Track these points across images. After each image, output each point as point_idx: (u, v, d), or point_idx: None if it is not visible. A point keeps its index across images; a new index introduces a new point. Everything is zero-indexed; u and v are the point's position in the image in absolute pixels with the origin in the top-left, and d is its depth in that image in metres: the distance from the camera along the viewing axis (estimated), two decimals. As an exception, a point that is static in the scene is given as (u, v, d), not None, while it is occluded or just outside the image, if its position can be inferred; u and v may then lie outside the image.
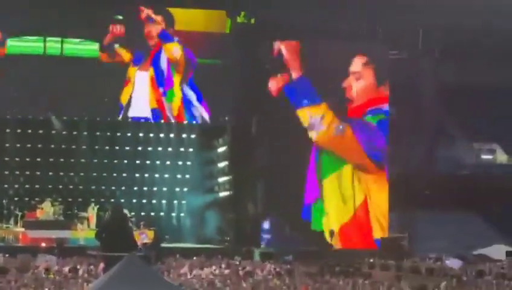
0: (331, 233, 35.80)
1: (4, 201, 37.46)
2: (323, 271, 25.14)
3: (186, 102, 37.87)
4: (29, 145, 38.98)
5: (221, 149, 39.55)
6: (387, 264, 28.20)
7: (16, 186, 38.95)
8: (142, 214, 38.66)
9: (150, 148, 40.16)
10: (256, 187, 36.98)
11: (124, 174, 39.97)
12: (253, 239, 36.14)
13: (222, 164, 39.34)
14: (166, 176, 40.25)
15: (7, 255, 28.68)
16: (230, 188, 38.38)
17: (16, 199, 38.31)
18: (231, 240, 37.04)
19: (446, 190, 38.22)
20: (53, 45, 36.55)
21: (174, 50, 37.74)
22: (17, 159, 38.94)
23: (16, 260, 27.14)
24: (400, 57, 37.93)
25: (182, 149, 40.43)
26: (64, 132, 38.98)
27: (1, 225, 35.62)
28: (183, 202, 40.23)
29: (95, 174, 39.58)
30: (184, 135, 40.30)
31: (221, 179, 39.35)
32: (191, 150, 40.33)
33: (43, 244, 32.58)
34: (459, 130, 40.75)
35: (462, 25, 36.29)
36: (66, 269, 24.36)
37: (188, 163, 40.44)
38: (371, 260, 29.40)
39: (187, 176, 40.46)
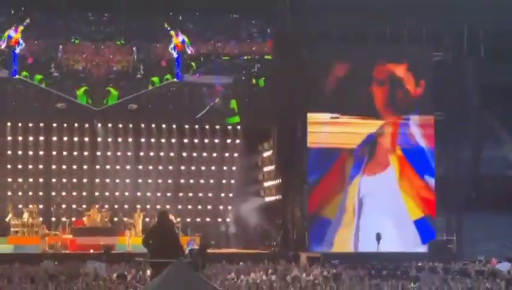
0: (378, 237, 35.55)
1: (52, 208, 37.88)
2: (371, 275, 24.97)
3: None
4: (75, 153, 39.37)
5: (266, 153, 39.53)
6: (435, 267, 27.97)
7: (64, 193, 39.34)
8: (188, 220, 38.81)
9: (195, 154, 40.30)
10: (303, 191, 36.88)
11: (170, 181, 40.15)
12: (300, 243, 36.05)
13: (268, 169, 39.33)
14: (211, 181, 40.34)
15: (56, 262, 28.90)
16: (276, 193, 38.35)
17: (63, 206, 38.71)
18: (278, 244, 36.98)
19: (494, 192, 37.83)
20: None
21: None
22: (64, 166, 39.37)
23: (64, 267, 27.33)
24: (443, 58, 37.61)
25: (226, 154, 40.51)
26: (109, 139, 39.34)
27: (49, 232, 35.97)
28: (229, 207, 40.29)
29: (140, 180, 39.83)
30: (229, 140, 40.39)
31: (267, 184, 39.34)
32: (235, 155, 40.39)
33: (91, 251, 32.82)
34: (505, 131, 40.32)
35: (507, 25, 35.91)
36: (114, 275, 24.47)
37: (233, 168, 40.51)
38: (419, 263, 29.16)
39: (232, 181, 40.52)
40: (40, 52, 36.55)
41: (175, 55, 37.00)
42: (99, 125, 39.10)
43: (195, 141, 40.25)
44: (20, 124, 38.46)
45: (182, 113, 38.41)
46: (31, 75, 36.59)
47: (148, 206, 38.64)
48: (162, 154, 40.02)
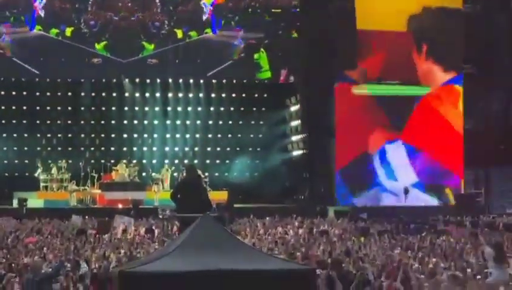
0: (406, 190, 35.50)
1: (81, 164, 38.08)
2: (398, 229, 24.96)
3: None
4: (103, 108, 39.51)
5: (293, 108, 39.42)
6: (462, 221, 27.89)
7: (92, 149, 39.54)
8: (216, 174, 38.90)
9: (222, 108, 40.27)
10: (330, 145, 36.82)
11: (197, 135, 40.21)
12: (327, 197, 36.06)
13: (295, 123, 39.25)
14: (239, 136, 40.32)
15: (86, 217, 29.13)
16: (303, 147, 38.32)
17: (92, 161, 38.91)
18: (305, 198, 37.01)
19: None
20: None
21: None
22: (92, 122, 39.53)
23: (93, 222, 27.56)
24: (472, 11, 37.17)
25: (254, 108, 40.44)
26: (137, 94, 39.41)
27: (78, 187, 36.21)
28: (257, 161, 40.29)
29: (168, 135, 39.91)
30: (256, 94, 40.29)
31: (294, 138, 39.29)
32: (263, 109, 40.31)
33: (120, 206, 33.02)
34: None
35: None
36: (142, 230, 24.65)
37: (261, 122, 40.45)
38: (446, 217, 29.10)
39: (260, 135, 40.50)
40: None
41: (206, 10, 37.14)
42: (126, 80, 39.13)
43: (223, 95, 40.16)
44: (48, 80, 38.51)
45: (210, 68, 38.30)
46: (46, 30, 36.83)
47: (176, 161, 38.69)
48: (189, 109, 39.99)
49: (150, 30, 37.65)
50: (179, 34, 37.78)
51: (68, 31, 37.15)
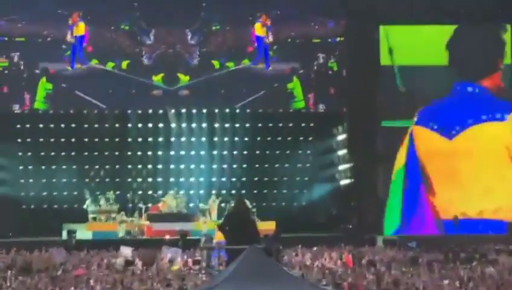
0: (456, 219, 35.08)
1: (128, 195, 38.28)
2: (448, 258, 24.65)
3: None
4: (150, 139, 39.72)
5: (340, 137, 39.29)
6: (515, 250, 27.43)
7: (139, 180, 39.73)
8: (263, 204, 38.81)
9: (269, 138, 40.25)
10: (377, 174, 36.61)
11: (244, 165, 40.20)
12: (375, 226, 35.78)
13: (342, 152, 39.09)
14: (286, 165, 40.22)
15: (133, 248, 29.19)
16: (351, 176, 38.12)
17: (139, 192, 39.11)
18: (353, 228, 36.74)
19: None
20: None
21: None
22: (139, 153, 39.75)
23: (141, 253, 27.62)
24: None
25: (301, 138, 40.36)
26: (182, 125, 39.60)
27: (126, 219, 36.39)
28: (304, 191, 40.12)
29: (215, 166, 39.97)
30: (303, 124, 40.22)
31: (341, 167, 39.11)
32: (310, 138, 40.22)
33: (167, 237, 33.04)
34: None
35: None
36: (190, 261, 24.65)
37: (308, 152, 40.33)
38: (497, 247, 28.64)
39: (307, 165, 40.36)
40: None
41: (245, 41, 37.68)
42: (172, 111, 39.38)
43: (270, 125, 40.15)
44: (96, 111, 38.90)
45: (256, 98, 38.48)
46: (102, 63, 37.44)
47: (223, 192, 38.69)
48: (236, 139, 40.03)
49: (187, 61, 37.97)
50: (216, 64, 38.06)
51: (124, 64, 37.67)
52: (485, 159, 36.12)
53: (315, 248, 29.02)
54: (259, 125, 40.13)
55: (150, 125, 39.68)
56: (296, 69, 38.46)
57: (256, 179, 40.20)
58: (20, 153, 38.90)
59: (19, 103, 37.53)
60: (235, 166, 40.11)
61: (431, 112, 36.86)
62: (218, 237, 27.15)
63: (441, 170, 36.08)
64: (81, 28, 37.32)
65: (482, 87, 36.94)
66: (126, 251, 27.44)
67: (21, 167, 38.99)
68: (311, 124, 40.09)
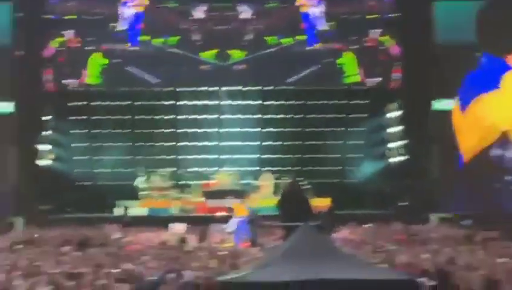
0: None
1: (182, 171, 38.51)
2: (505, 236, 24.37)
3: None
4: (202, 116, 39.82)
5: (394, 114, 38.98)
6: None
7: (193, 157, 39.89)
8: (316, 182, 38.71)
9: (322, 115, 40.09)
10: (432, 151, 36.30)
11: (298, 142, 40.14)
12: (429, 204, 35.50)
13: (395, 129, 38.79)
14: (339, 142, 40.06)
15: (187, 225, 29.38)
16: (405, 153, 37.84)
17: (192, 169, 39.30)
18: (407, 205, 36.51)
19: None
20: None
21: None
22: (192, 130, 39.87)
23: (195, 229, 27.81)
24: None
25: (354, 115, 40.12)
26: (232, 102, 39.62)
27: (180, 195, 36.65)
28: (357, 168, 39.93)
29: (268, 143, 39.97)
30: (356, 101, 39.97)
31: (395, 144, 38.82)
32: (363, 115, 39.96)
33: (220, 214, 33.17)
34: None
35: None
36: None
37: (361, 129, 40.09)
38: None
39: (361, 142, 40.15)
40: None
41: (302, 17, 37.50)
42: (224, 88, 39.44)
43: (323, 102, 39.98)
44: (148, 88, 39.11)
45: (309, 75, 38.38)
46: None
47: (276, 168, 38.68)
48: (289, 116, 39.96)
49: (240, 37, 37.94)
50: (271, 40, 37.96)
51: (173, 40, 37.80)
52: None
53: (368, 225, 28.91)
54: (312, 102, 39.97)
55: (202, 102, 39.76)
56: (349, 44, 38.24)
57: (309, 156, 40.11)
58: (75, 131, 39.28)
59: (72, 78, 37.92)
60: (288, 143, 40.06)
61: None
62: (240, 213, 27.35)
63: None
64: (139, 6, 37.58)
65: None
66: (179, 227, 27.65)
67: (76, 144, 39.37)
68: (365, 101, 39.82)
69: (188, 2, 38.11)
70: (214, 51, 38.15)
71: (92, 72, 37.94)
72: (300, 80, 38.62)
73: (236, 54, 38.19)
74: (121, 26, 37.80)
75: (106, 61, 37.88)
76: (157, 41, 37.88)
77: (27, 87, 36.77)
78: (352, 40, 38.24)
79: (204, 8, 38.11)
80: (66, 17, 37.67)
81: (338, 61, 38.30)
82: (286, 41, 38.22)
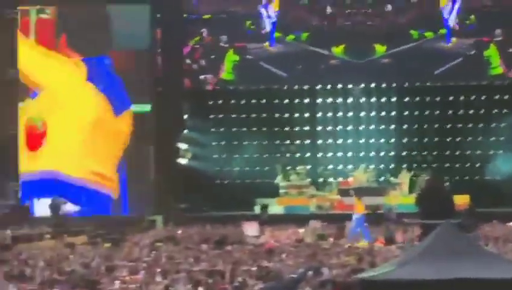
0: None
1: (319, 169, 38.46)
2: None
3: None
4: (340, 114, 39.61)
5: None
6: None
7: (330, 154, 39.75)
8: (456, 178, 37.95)
9: (461, 111, 39.21)
10: None
11: (436, 139, 39.42)
12: None
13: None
14: (479, 139, 39.10)
15: (324, 223, 29.28)
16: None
17: (330, 167, 39.18)
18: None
19: None
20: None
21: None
22: (329, 127, 39.70)
23: (332, 227, 27.72)
24: None
25: (495, 111, 39.08)
26: (373, 99, 39.27)
27: (317, 193, 36.61)
28: (498, 165, 38.85)
29: (405, 140, 39.42)
30: (497, 96, 38.93)
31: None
32: (504, 111, 38.87)
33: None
34: None
35: None
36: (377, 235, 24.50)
37: (502, 125, 39.00)
38: None
39: (501, 138, 39.06)
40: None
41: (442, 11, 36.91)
42: (361, 85, 39.13)
43: (462, 98, 39.14)
44: (285, 87, 39.24)
45: (449, 70, 37.75)
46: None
47: (414, 165, 38.11)
48: (427, 112, 39.27)
49: (384, 31, 37.59)
50: (414, 35, 37.44)
51: (304, 36, 37.83)
52: None
53: (510, 223, 28.12)
54: (451, 98, 39.18)
55: (340, 99, 39.56)
56: (492, 37, 37.28)
57: (448, 152, 39.32)
58: (213, 129, 39.78)
59: (209, 75, 38.40)
60: (426, 140, 39.40)
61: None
62: (359, 209, 27.02)
63: None
64: (276, 4, 37.78)
65: None
66: (316, 225, 27.60)
67: (214, 143, 39.85)
68: (506, 97, 38.74)
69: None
70: (352, 47, 37.84)
71: (228, 69, 38.37)
72: (442, 75, 37.95)
73: (379, 49, 37.78)
74: (259, 24, 38.05)
75: (240, 58, 38.22)
76: (291, 38, 37.96)
77: (166, 87, 37.49)
78: (493, 33, 37.30)
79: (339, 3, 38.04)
80: (205, 17, 38.22)
81: (484, 53, 37.43)
82: (429, 35, 37.67)
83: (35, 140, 35.47)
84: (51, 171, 34.64)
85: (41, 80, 35.79)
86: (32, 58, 35.73)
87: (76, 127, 34.99)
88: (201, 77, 38.47)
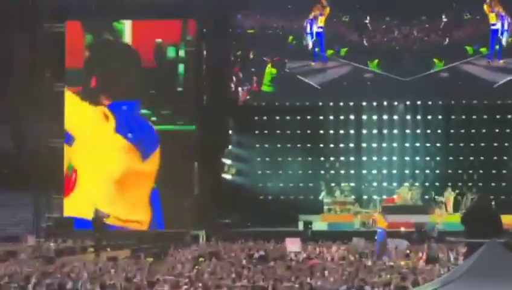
0: None
1: (363, 186, 38.25)
2: None
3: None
4: (385, 131, 39.38)
5: None
6: None
7: (374, 171, 39.51)
8: (502, 197, 37.45)
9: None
10: None
11: (481, 158, 38.97)
12: None
13: None
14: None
15: (367, 240, 29.06)
16: None
17: (374, 184, 38.93)
18: None
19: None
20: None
21: None
22: (373, 144, 39.45)
23: (374, 245, 27.50)
24: None
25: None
26: (417, 116, 38.99)
27: (361, 210, 36.39)
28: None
29: (451, 158, 39.04)
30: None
31: None
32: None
33: (402, 229, 32.67)
34: None
35: None
36: (420, 254, 24.25)
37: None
38: None
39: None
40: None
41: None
42: (407, 103, 38.90)
43: (508, 116, 38.71)
44: (331, 104, 39.14)
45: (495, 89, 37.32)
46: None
47: (459, 184, 37.71)
48: (472, 130, 38.86)
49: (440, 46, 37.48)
50: (469, 50, 37.23)
51: (343, 51, 37.75)
52: None
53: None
54: (498, 116, 38.75)
55: (385, 116, 39.34)
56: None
57: (494, 171, 38.84)
58: (257, 145, 39.78)
59: (250, 88, 38.49)
60: (471, 158, 38.95)
61: None
62: (380, 223, 26.82)
63: None
64: (321, 20, 37.73)
65: None
66: (359, 242, 27.40)
67: (258, 159, 39.84)
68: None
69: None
70: (398, 63, 37.63)
71: (267, 82, 38.40)
72: (489, 93, 37.55)
73: (438, 63, 37.50)
74: (301, 40, 38.01)
75: (282, 73, 38.23)
76: (331, 53, 37.88)
77: (211, 102, 37.55)
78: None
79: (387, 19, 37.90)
80: (249, 31, 38.31)
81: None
82: (483, 50, 37.38)
83: (66, 186, 36.01)
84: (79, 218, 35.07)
85: (73, 129, 36.32)
86: (68, 107, 36.38)
87: (105, 176, 35.63)
88: (244, 90, 38.49)
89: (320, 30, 37.72)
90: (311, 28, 37.78)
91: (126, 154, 36.05)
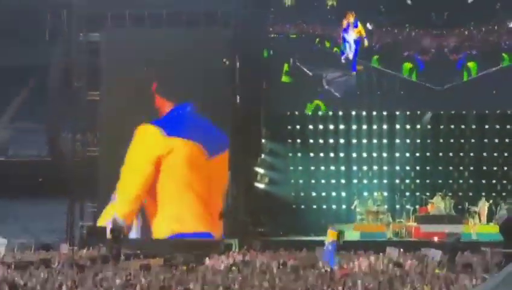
0: None
1: (396, 196, 38.11)
2: None
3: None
4: (418, 141, 39.22)
5: None
6: None
7: (407, 181, 39.35)
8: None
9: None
10: None
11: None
12: None
13: None
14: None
15: (402, 250, 28.97)
16: None
17: (407, 193, 38.78)
18: None
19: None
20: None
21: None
22: (407, 154, 39.33)
23: (408, 255, 27.41)
24: None
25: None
26: (452, 126, 38.84)
27: (394, 220, 36.27)
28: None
29: (485, 168, 38.81)
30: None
31: None
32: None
33: (435, 239, 32.52)
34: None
35: None
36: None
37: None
38: None
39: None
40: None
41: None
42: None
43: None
44: (364, 113, 39.06)
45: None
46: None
47: (493, 194, 37.50)
48: (506, 140, 38.61)
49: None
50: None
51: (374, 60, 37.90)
52: None
53: None
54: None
55: (418, 126, 39.17)
56: None
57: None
58: (290, 154, 39.77)
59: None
60: (505, 168, 38.67)
61: None
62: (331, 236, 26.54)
63: None
64: (357, 30, 37.63)
65: None
66: (393, 252, 27.28)
67: (291, 168, 39.81)
68: None
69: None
70: (432, 72, 37.46)
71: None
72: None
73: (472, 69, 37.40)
74: (339, 49, 37.96)
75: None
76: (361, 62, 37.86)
77: (244, 111, 37.49)
78: None
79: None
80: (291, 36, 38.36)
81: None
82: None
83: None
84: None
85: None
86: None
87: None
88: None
89: (356, 40, 37.57)
90: (347, 37, 37.67)
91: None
